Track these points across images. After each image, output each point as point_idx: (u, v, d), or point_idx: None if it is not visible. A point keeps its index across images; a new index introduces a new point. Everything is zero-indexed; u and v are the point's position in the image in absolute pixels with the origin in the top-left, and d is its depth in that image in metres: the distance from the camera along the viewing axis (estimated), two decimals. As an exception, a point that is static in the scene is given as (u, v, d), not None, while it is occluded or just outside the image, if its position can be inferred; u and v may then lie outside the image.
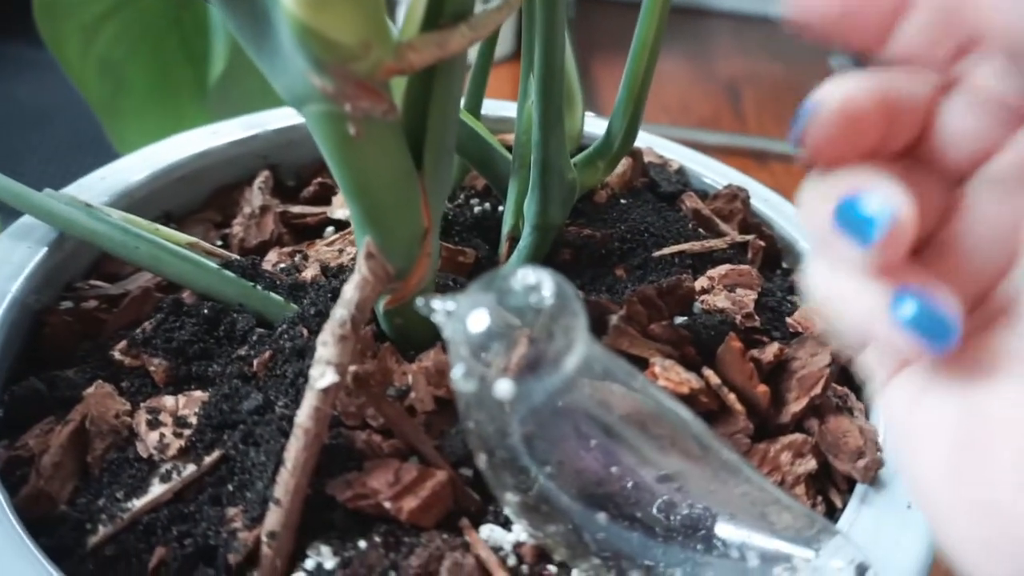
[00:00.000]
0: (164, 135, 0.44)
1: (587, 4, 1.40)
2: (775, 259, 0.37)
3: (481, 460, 0.21)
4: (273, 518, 0.22)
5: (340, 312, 0.24)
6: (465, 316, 0.19)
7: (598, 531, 0.23)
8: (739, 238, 0.35)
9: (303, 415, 0.22)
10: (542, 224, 0.32)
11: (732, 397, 0.25)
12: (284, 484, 0.22)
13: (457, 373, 0.19)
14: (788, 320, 0.30)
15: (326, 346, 0.23)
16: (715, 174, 0.42)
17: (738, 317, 0.29)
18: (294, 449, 0.22)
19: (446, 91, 0.23)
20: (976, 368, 0.14)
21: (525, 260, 0.33)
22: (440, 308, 0.20)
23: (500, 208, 0.40)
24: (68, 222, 0.31)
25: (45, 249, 0.33)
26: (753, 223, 0.38)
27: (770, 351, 0.27)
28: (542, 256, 0.34)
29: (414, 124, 0.24)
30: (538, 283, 0.20)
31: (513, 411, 0.20)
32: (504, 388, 0.19)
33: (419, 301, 0.21)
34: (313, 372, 0.23)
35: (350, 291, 0.24)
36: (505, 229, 0.34)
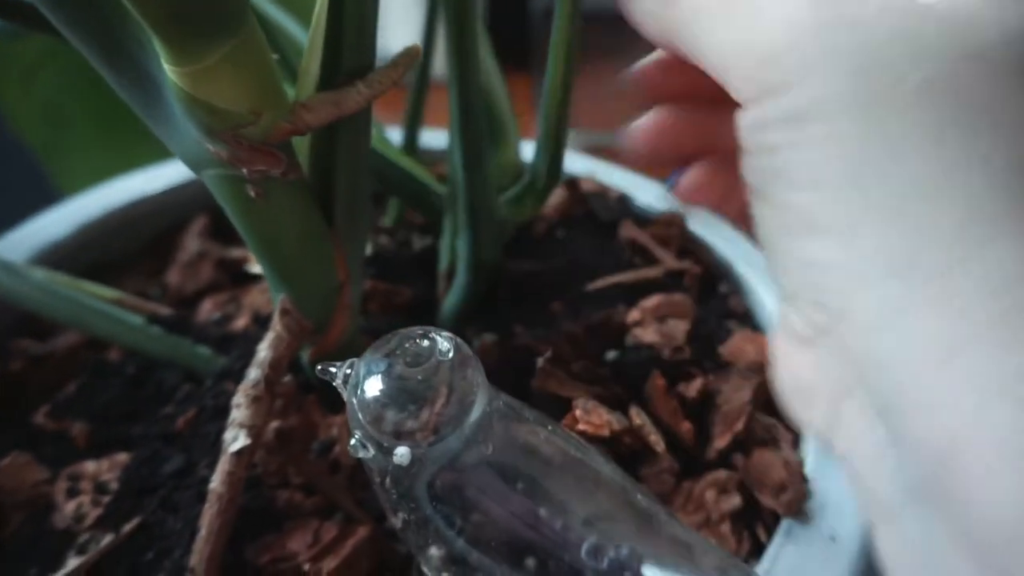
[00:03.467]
0: (114, 174, 0.43)
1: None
2: (712, 284, 0.37)
3: (396, 521, 0.21)
4: (188, 589, 0.22)
5: (253, 373, 0.23)
6: (360, 381, 0.19)
7: (524, 582, 0.23)
8: (674, 265, 0.36)
9: (216, 480, 0.22)
10: (475, 263, 0.31)
11: (653, 438, 0.25)
12: (199, 552, 0.22)
13: (353, 439, 0.19)
14: (720, 350, 0.30)
15: (239, 408, 0.23)
16: (657, 198, 0.42)
17: (666, 350, 0.29)
18: (208, 515, 0.22)
19: (352, 145, 0.23)
20: None
21: (461, 299, 0.33)
22: (338, 373, 0.20)
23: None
24: (-13, 283, 0.30)
25: (-33, 310, 0.32)
26: (690, 248, 0.38)
27: (694, 386, 0.27)
28: (479, 294, 0.33)
29: (322, 179, 0.23)
30: (432, 343, 0.19)
31: (415, 475, 0.20)
32: (400, 454, 0.19)
33: (319, 367, 0.20)
34: (226, 436, 0.22)
35: (264, 350, 0.24)
36: (441, 267, 0.34)
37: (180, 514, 0.24)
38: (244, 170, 0.20)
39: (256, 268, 0.37)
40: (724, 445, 0.25)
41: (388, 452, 0.19)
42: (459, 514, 0.21)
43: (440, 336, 0.19)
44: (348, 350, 0.27)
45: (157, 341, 0.30)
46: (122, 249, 0.40)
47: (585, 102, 0.59)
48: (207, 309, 0.35)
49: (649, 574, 0.24)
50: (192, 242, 0.39)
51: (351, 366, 0.20)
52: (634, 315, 0.31)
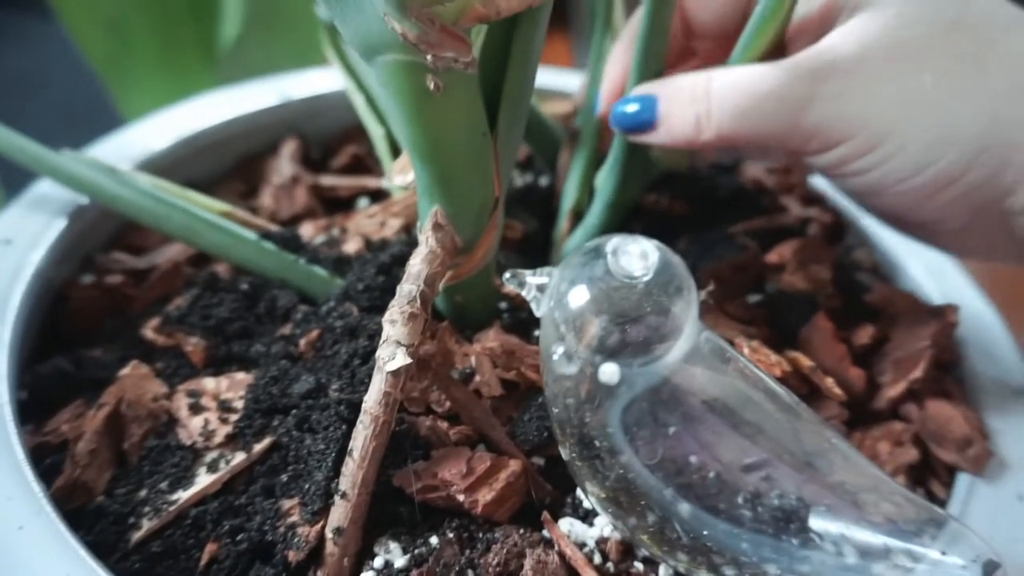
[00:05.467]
0: (170, 98, 0.41)
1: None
2: (838, 235, 0.35)
3: (568, 449, 0.20)
4: (339, 512, 0.20)
5: (408, 288, 0.22)
6: (563, 291, 0.17)
7: (686, 523, 0.21)
8: (801, 213, 0.34)
9: (371, 400, 0.20)
10: (618, 201, 0.29)
11: (830, 381, 0.23)
12: (351, 476, 0.20)
13: (557, 354, 0.17)
14: (866, 299, 0.29)
15: (394, 325, 0.21)
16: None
17: (820, 296, 0.27)
18: (361, 437, 0.20)
19: (528, 44, 0.21)
20: None
21: (594, 236, 0.31)
22: (532, 282, 0.18)
23: (543, 180, 0.38)
24: (93, 187, 0.28)
25: (65, 219, 0.30)
26: (814, 197, 0.36)
27: (865, 333, 0.25)
28: (612, 231, 0.32)
29: (490, 81, 0.21)
30: (642, 254, 0.18)
31: (616, 397, 0.18)
32: (609, 372, 0.17)
33: (507, 274, 0.19)
34: (382, 353, 0.21)
35: (418, 264, 0.22)
36: (568, 204, 0.32)
37: (319, 436, 0.22)
38: (428, 57, 0.18)
39: (398, 179, 0.34)
40: (897, 394, 0.23)
41: (591, 369, 0.17)
42: (642, 448, 0.19)
43: (651, 246, 0.18)
44: (482, 278, 0.26)
45: (272, 257, 0.28)
46: (209, 170, 0.38)
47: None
48: (309, 232, 0.33)
49: (816, 525, 0.22)
50: (285, 166, 0.37)
51: (548, 274, 0.18)
52: (772, 258, 0.29)
